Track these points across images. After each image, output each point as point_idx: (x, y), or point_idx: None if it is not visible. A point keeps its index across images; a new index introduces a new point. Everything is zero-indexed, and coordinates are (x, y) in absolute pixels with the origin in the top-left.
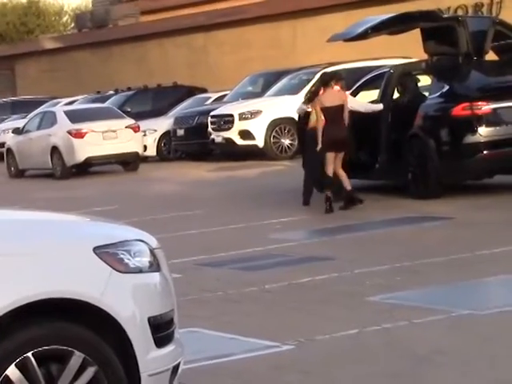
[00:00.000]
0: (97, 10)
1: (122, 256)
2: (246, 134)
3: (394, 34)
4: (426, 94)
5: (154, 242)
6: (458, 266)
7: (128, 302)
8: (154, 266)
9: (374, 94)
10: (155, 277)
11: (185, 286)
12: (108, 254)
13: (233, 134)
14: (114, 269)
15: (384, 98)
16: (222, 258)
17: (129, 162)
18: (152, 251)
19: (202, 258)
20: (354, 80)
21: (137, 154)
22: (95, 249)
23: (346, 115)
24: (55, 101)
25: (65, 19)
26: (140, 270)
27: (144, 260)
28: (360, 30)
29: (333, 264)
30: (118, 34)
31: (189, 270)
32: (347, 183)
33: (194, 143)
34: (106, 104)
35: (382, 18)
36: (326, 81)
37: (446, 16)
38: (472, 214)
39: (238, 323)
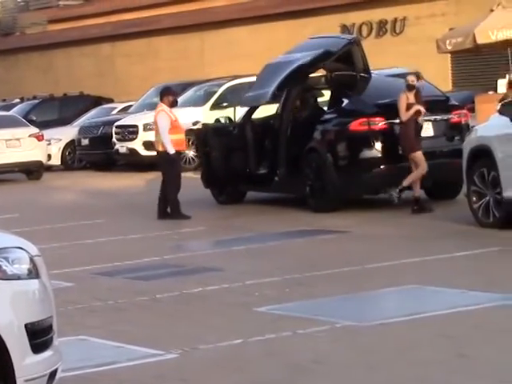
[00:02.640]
0: (4, 18)
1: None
2: (150, 145)
3: None
4: (325, 108)
5: (33, 250)
6: (347, 279)
7: (5, 308)
8: (33, 274)
9: (275, 107)
10: (34, 284)
11: (76, 294)
12: None
13: (137, 145)
14: None
15: (284, 111)
16: (117, 268)
17: (32, 170)
18: (31, 259)
19: (97, 268)
20: None
21: (40, 162)
22: None
23: (401, 113)
24: None
25: None
26: (18, 277)
27: (23, 267)
28: (268, 93)
29: (225, 275)
30: (24, 42)
31: (83, 278)
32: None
33: (98, 153)
34: (11, 112)
35: (282, 76)
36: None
37: (339, 47)
38: (367, 228)
39: (125, 332)
